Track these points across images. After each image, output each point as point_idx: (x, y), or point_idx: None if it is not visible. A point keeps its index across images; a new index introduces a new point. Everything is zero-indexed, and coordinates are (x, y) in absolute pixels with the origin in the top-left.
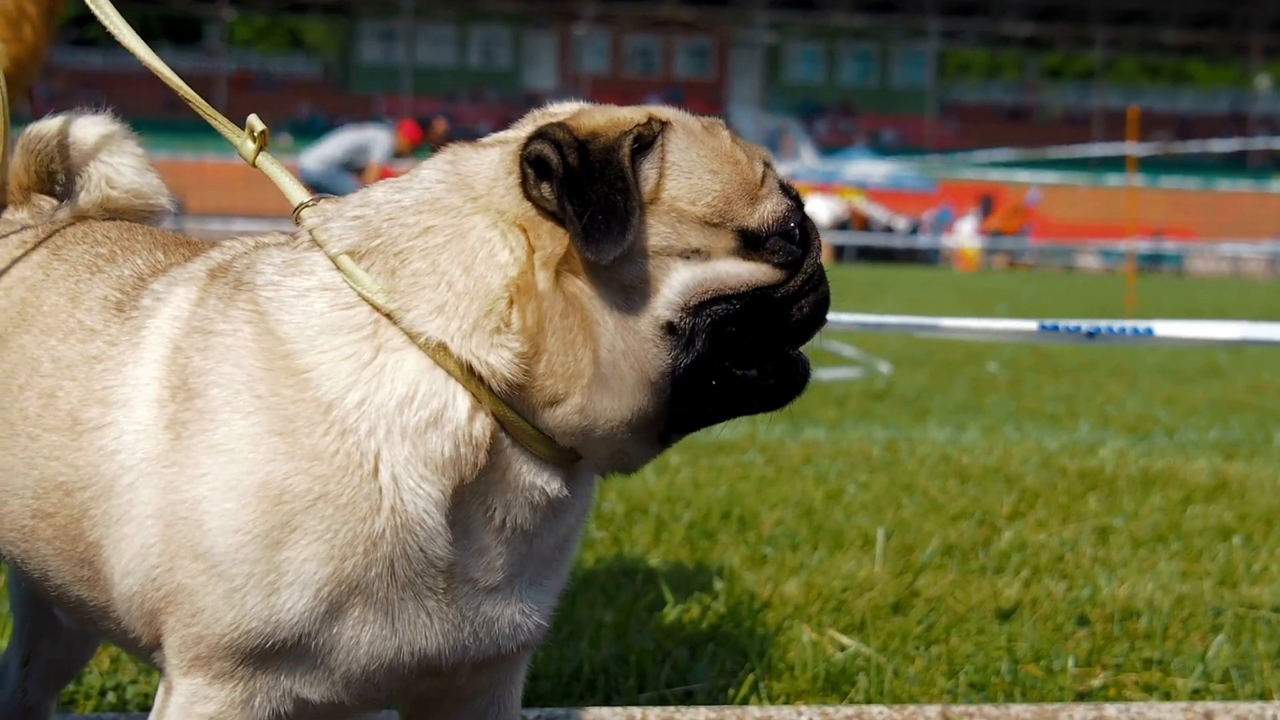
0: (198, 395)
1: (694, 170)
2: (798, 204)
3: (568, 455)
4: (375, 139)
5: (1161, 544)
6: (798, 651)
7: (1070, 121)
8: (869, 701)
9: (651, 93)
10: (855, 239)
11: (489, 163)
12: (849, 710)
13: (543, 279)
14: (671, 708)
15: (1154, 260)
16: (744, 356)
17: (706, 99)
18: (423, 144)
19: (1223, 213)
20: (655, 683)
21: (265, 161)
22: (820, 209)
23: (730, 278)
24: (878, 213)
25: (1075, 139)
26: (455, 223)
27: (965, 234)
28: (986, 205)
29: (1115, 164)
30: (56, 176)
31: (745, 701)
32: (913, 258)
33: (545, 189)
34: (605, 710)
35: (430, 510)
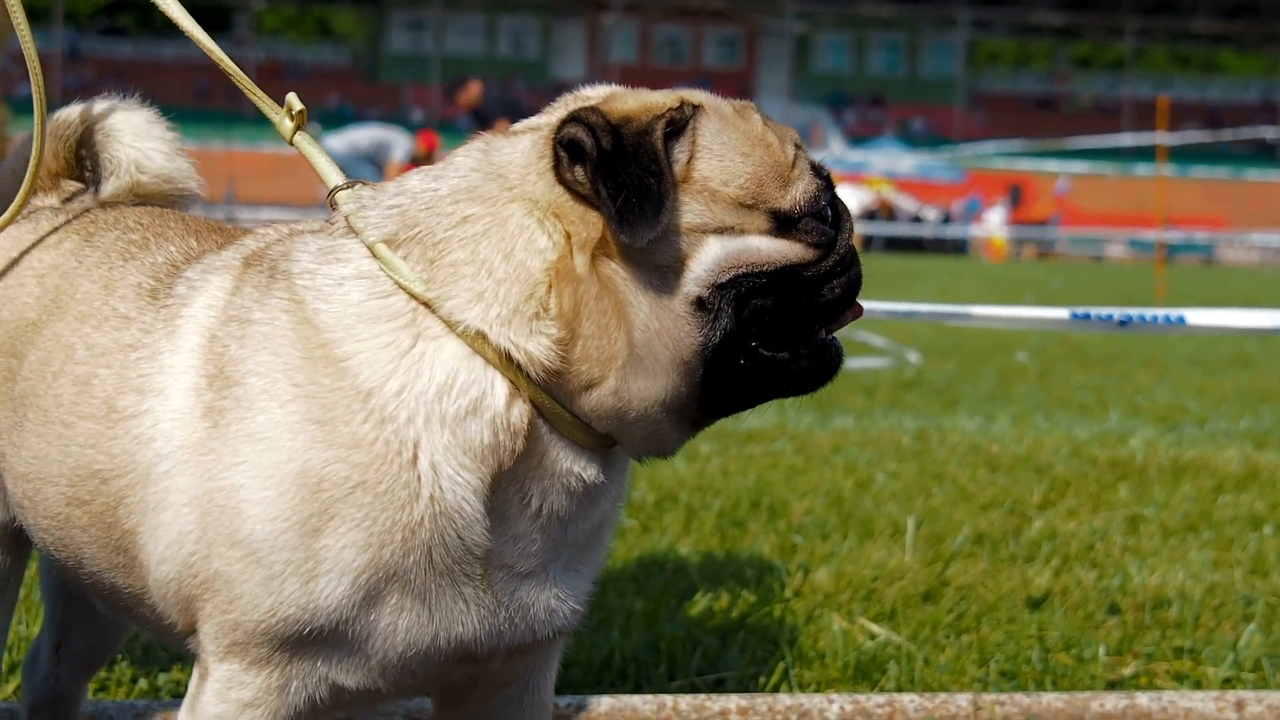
0: (235, 383)
1: (726, 153)
2: (829, 184)
3: (603, 441)
4: (397, 140)
5: (1192, 533)
6: (828, 640)
7: (1100, 111)
8: (900, 690)
9: (680, 82)
10: (884, 229)
11: (521, 150)
12: (880, 698)
13: (580, 263)
14: (702, 696)
15: (1177, 250)
16: (775, 336)
17: (735, 89)
18: (435, 152)
19: (1252, 202)
20: (686, 671)
21: (302, 141)
22: (849, 199)
23: (761, 255)
24: (906, 203)
25: (1105, 129)
26: (493, 211)
27: (994, 224)
28: (1015, 195)
29: (1145, 154)
30: (85, 162)
31: (776, 689)
32: (941, 248)
33: (579, 172)
34: (636, 698)
35: (469, 498)
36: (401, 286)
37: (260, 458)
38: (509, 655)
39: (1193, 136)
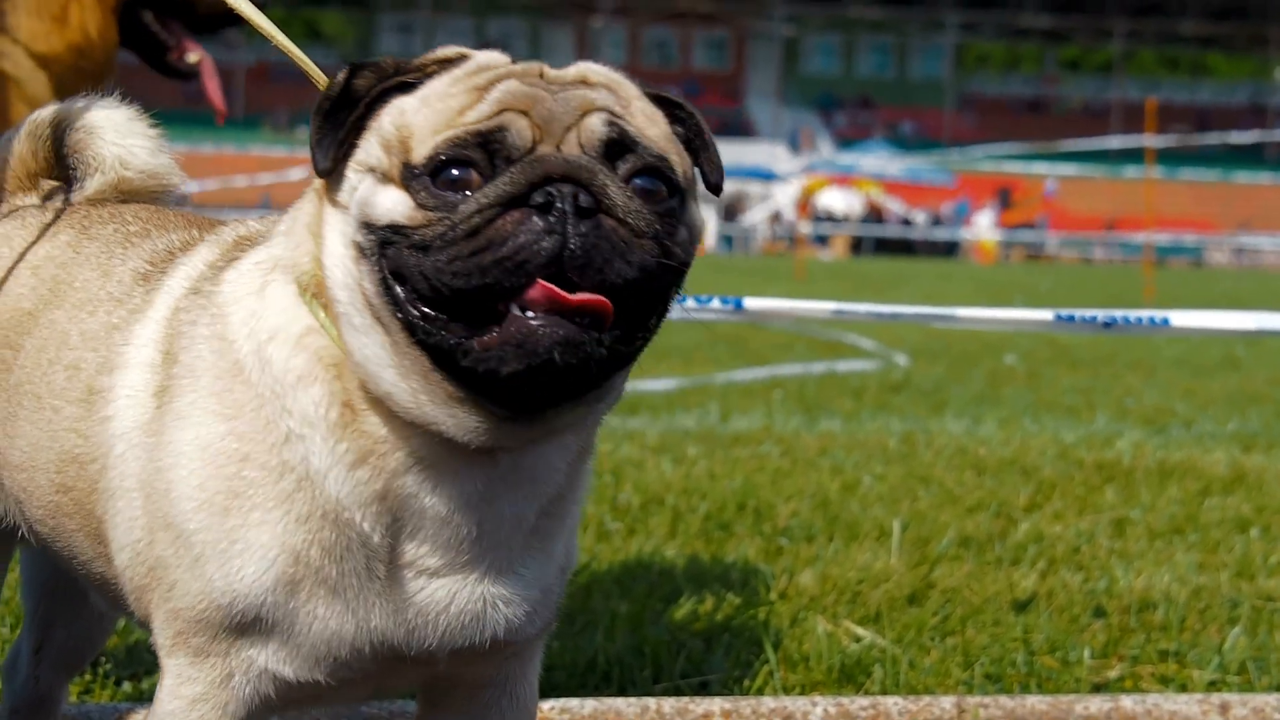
0: (176, 360)
1: (419, 101)
2: (487, 152)
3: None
4: None
5: (1178, 536)
6: (813, 643)
7: (1089, 114)
8: (884, 693)
9: (669, 85)
10: (873, 231)
11: None
12: (864, 701)
13: (313, 198)
14: (686, 699)
15: (1166, 253)
16: (425, 300)
17: (724, 91)
18: None
19: (1241, 205)
20: (670, 674)
21: None
22: (837, 201)
23: (377, 204)
24: (895, 206)
25: (1094, 131)
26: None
27: (983, 227)
28: (1004, 198)
29: (1134, 156)
30: (67, 161)
31: (760, 692)
32: (931, 250)
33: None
34: (620, 701)
35: (317, 446)
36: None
37: (180, 435)
38: (454, 657)
39: (1180, 139)
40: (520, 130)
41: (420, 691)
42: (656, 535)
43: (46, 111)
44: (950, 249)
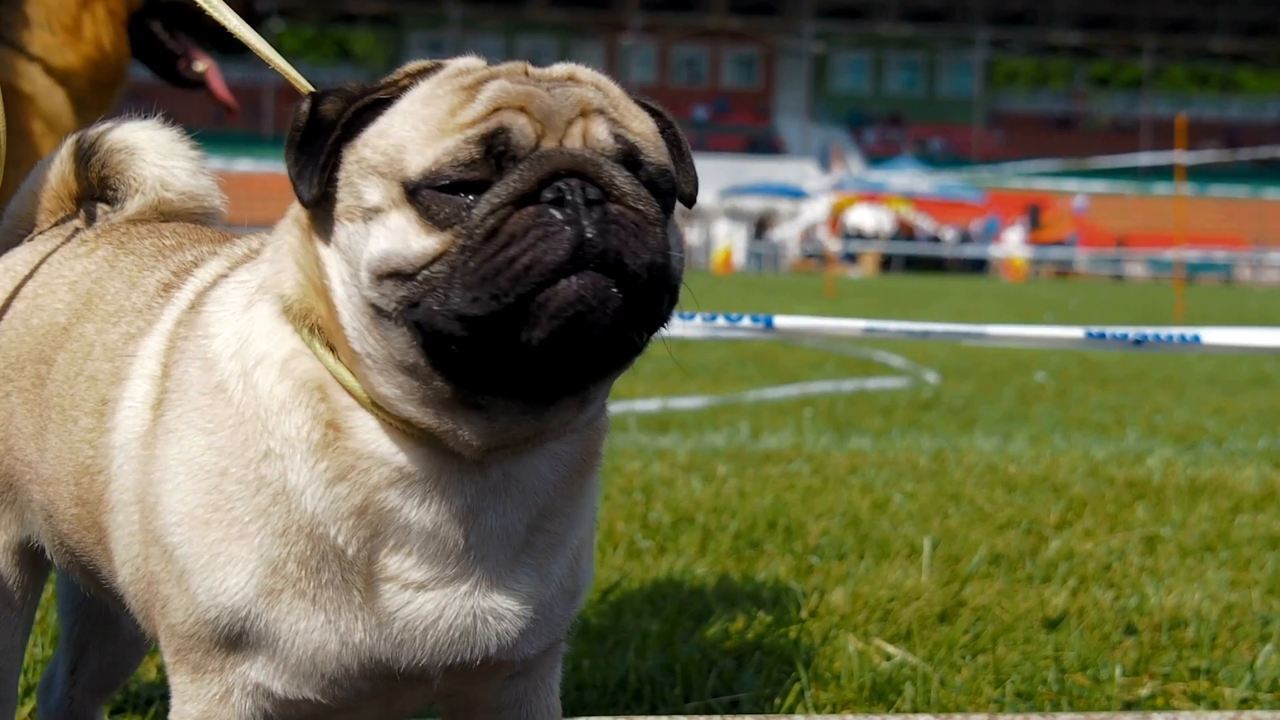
0: (169, 374)
1: (398, 116)
2: (491, 153)
3: (425, 434)
4: None
5: (1209, 553)
6: (844, 661)
7: (1118, 130)
8: (915, 711)
9: (698, 102)
10: (903, 248)
11: None
12: (896, 719)
13: (298, 233)
14: (717, 717)
15: (1197, 269)
16: (466, 334)
17: (753, 109)
18: None
19: (1272, 221)
20: (701, 692)
21: None
22: (867, 219)
23: (381, 249)
24: (924, 223)
25: (1123, 148)
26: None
27: (1012, 243)
28: (1034, 218)
29: (1163, 173)
30: (109, 182)
31: (791, 711)
32: (960, 267)
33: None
34: None
35: (296, 468)
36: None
37: (168, 450)
38: (449, 675)
39: (1211, 155)
40: (522, 127)
41: (443, 711)
42: (687, 554)
43: (96, 131)
44: (979, 266)
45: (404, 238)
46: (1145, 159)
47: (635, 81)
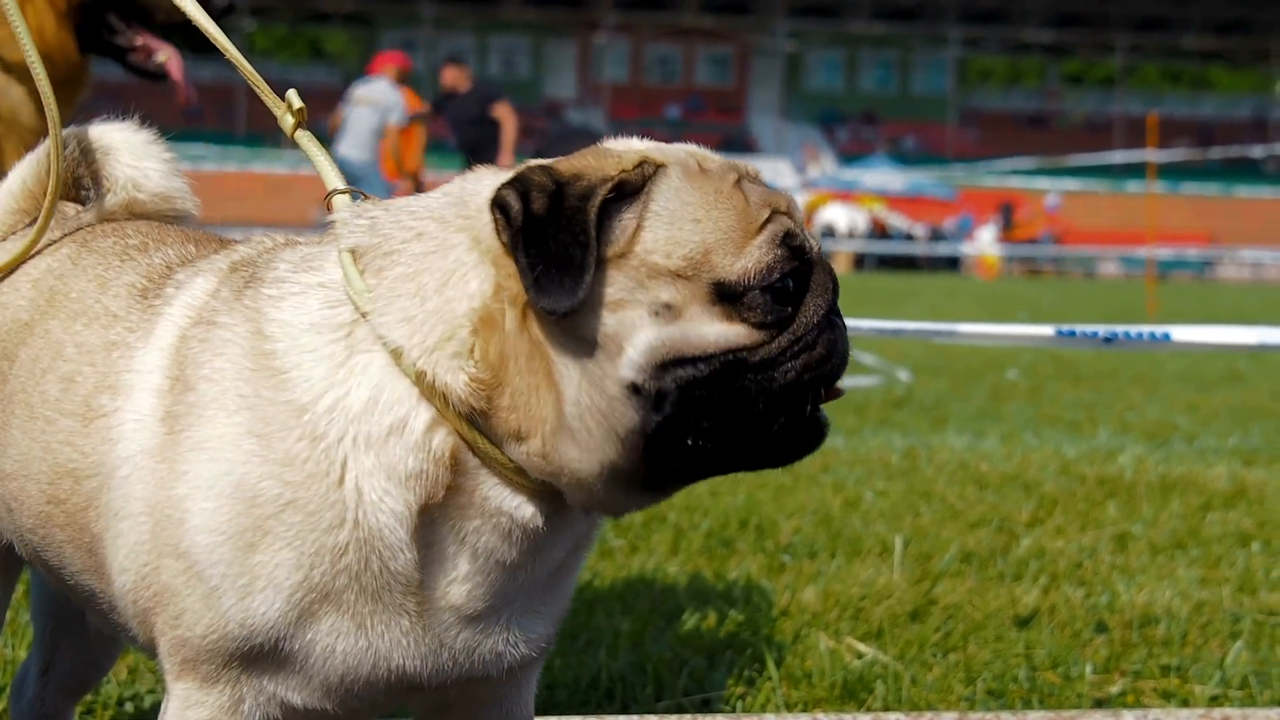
0: (190, 389)
1: (676, 218)
2: (796, 254)
3: (545, 487)
4: (391, 105)
5: (1180, 550)
6: (815, 659)
7: (1091, 128)
8: (886, 709)
9: (671, 101)
10: (876, 247)
11: (488, 187)
12: (866, 718)
13: (510, 318)
14: (689, 716)
15: (1169, 267)
16: (725, 419)
17: (726, 108)
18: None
19: (1244, 219)
20: (673, 691)
21: (304, 139)
22: (840, 217)
23: (697, 338)
24: (898, 221)
25: (1096, 146)
26: (444, 235)
27: (985, 242)
28: (1007, 213)
29: (1136, 171)
30: (82, 182)
31: (763, 709)
32: (933, 265)
33: (504, 237)
34: (622, 719)
35: (392, 525)
36: (350, 296)
37: (203, 468)
38: (464, 685)
39: (1183, 154)
40: (805, 236)
41: (417, 708)
42: (659, 552)
43: (70, 132)
44: (953, 264)
45: (698, 327)
46: (1118, 157)
47: (608, 81)
